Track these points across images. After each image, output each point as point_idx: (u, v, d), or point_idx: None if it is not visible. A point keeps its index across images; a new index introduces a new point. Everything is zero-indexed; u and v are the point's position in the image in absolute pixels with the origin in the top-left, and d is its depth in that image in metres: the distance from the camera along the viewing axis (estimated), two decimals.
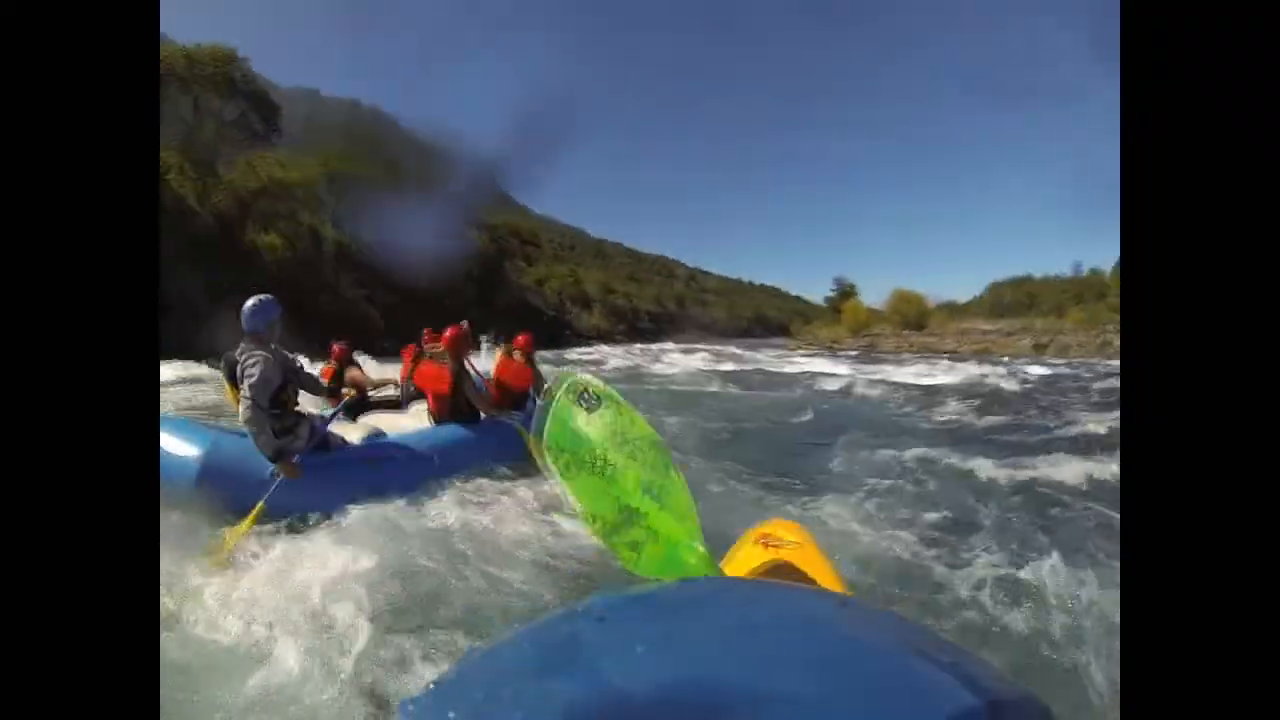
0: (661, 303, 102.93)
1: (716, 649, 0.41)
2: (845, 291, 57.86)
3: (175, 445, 3.89)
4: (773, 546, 1.80)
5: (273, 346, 3.90)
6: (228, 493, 3.76)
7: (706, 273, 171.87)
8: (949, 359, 23.53)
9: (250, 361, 3.72)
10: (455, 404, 5.20)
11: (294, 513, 3.78)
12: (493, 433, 5.16)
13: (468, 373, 5.25)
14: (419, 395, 5.79)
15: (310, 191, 26.39)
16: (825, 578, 1.67)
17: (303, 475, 3.87)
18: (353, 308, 26.57)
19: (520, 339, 5.90)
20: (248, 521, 3.52)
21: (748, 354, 29.29)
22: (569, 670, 0.40)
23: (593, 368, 17.54)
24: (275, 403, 3.85)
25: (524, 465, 4.64)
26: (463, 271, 33.68)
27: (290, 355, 4.09)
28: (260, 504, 3.61)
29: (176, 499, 3.55)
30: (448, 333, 5.29)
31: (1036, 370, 15.45)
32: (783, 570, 1.69)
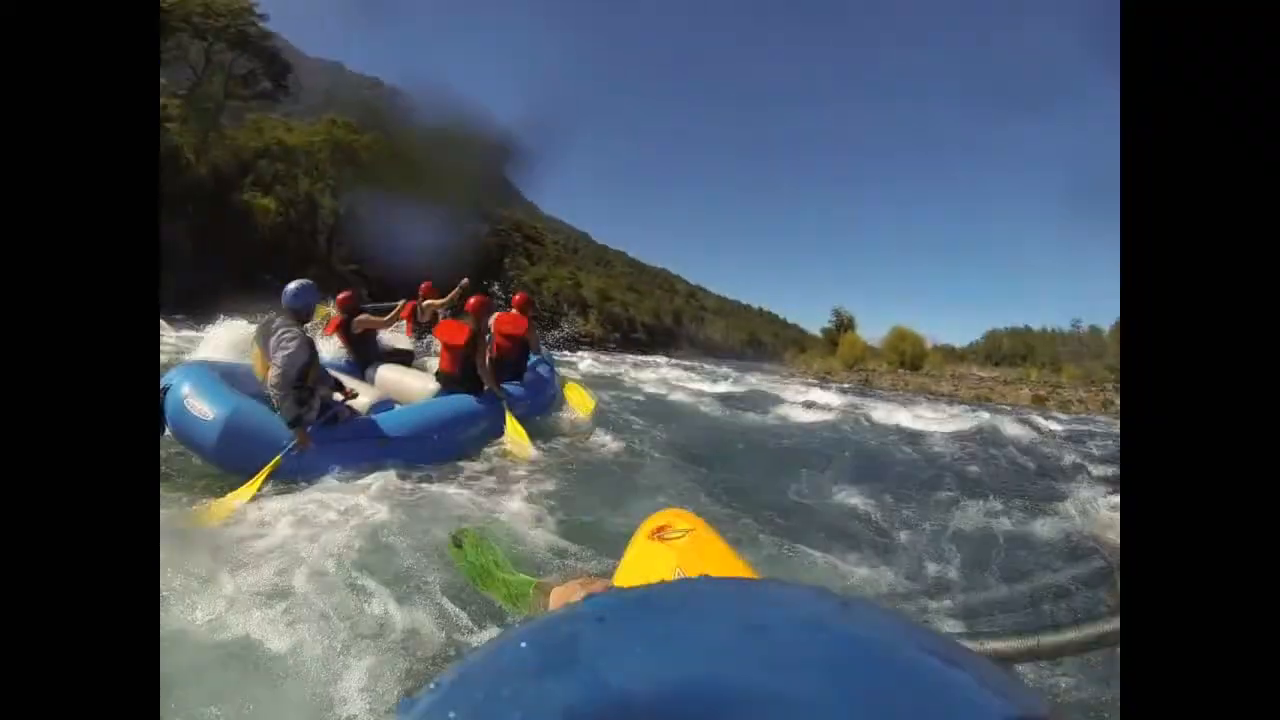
0: (659, 316, 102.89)
1: (717, 649, 0.39)
2: (843, 323, 57.57)
3: (200, 403, 4.26)
4: (666, 540, 1.75)
5: (305, 327, 4.48)
6: (245, 453, 4.13)
7: (706, 291, 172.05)
8: (947, 401, 22.68)
9: (287, 336, 4.28)
10: (466, 363, 5.71)
11: (300, 479, 4.15)
12: (489, 412, 5.64)
13: (483, 337, 5.77)
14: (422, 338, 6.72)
15: (313, 159, 25.68)
16: (726, 561, 1.67)
17: (312, 445, 4.30)
18: (342, 283, 26.27)
19: (518, 297, 6.77)
20: (256, 481, 3.85)
21: (737, 374, 29.00)
22: (569, 670, 0.38)
23: (572, 370, 17.17)
24: (299, 376, 4.32)
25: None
26: (460, 259, 33.28)
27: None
28: (270, 465, 4.02)
29: (197, 452, 4.29)
30: (474, 299, 5.90)
31: (1049, 424, 14.60)
32: (686, 559, 1.64)
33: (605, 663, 0.38)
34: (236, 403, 4.32)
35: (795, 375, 36.21)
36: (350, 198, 27.19)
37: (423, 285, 7.57)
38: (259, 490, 3.82)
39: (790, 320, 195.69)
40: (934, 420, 13.29)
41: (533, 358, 7.18)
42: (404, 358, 6.82)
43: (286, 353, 4.23)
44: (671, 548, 1.73)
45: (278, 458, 4.08)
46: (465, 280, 7.18)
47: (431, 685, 0.42)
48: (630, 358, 35.36)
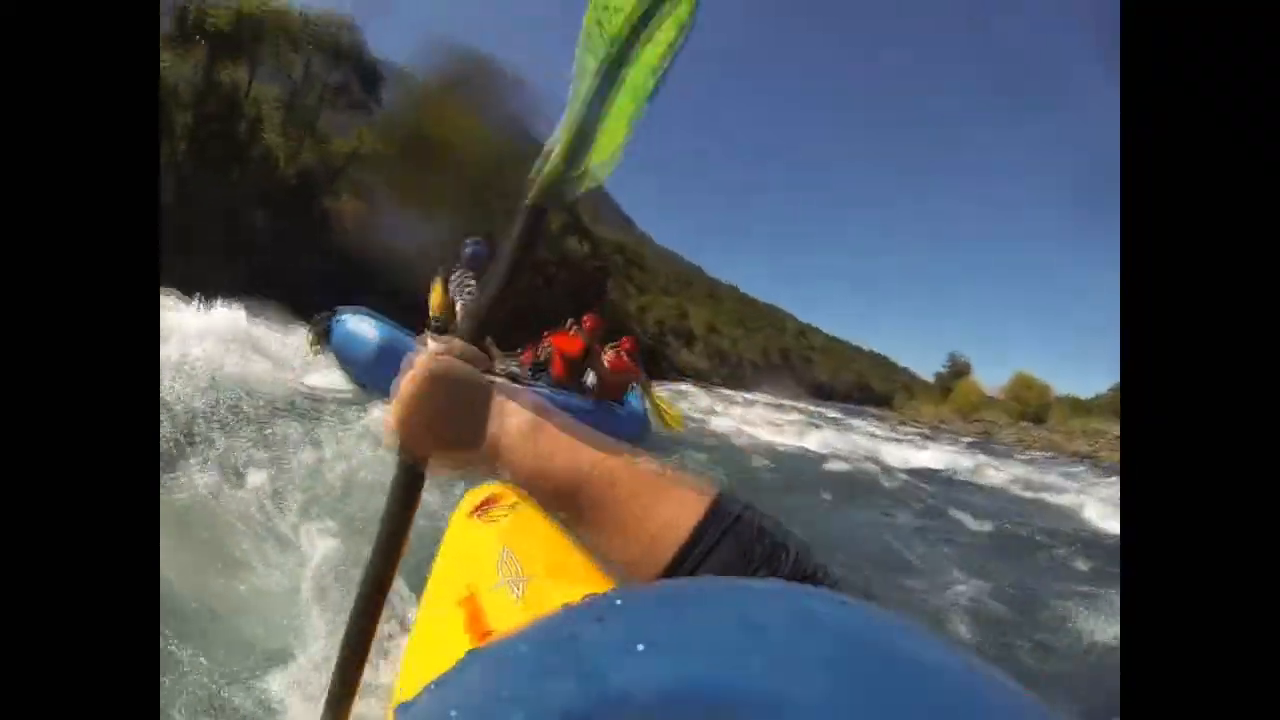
0: (766, 353, 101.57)
1: (718, 649, 0.39)
2: (958, 369, 55.31)
3: (366, 330, 5.33)
4: (489, 517, 1.72)
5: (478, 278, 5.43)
6: (392, 373, 4.73)
7: (816, 330, 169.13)
8: (1087, 467, 20.08)
9: (469, 281, 5.43)
10: (579, 371, 6.56)
11: None
12: (593, 412, 6.34)
13: (597, 351, 6.60)
14: (536, 377, 6.99)
15: (391, 161, 26.81)
16: (554, 542, 1.58)
17: None
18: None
19: (588, 321, 7.03)
20: None
21: (841, 417, 27.81)
22: (569, 670, 0.39)
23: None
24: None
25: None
26: (557, 277, 33.27)
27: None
28: None
29: (360, 369, 5.18)
30: (589, 320, 6.76)
31: None
32: (512, 540, 1.58)
33: (605, 663, 0.38)
34: (392, 333, 5.47)
35: (906, 423, 34.43)
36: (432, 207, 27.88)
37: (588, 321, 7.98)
38: None
39: (902, 364, 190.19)
40: (1073, 491, 11.67)
41: (633, 398, 7.68)
42: (512, 380, 7.36)
43: (472, 294, 5.28)
44: (495, 527, 1.67)
45: None
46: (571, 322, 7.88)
47: (431, 685, 0.44)
48: (729, 392, 34.76)
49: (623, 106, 0.77)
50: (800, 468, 9.62)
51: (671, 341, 58.52)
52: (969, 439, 27.25)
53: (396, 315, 6.21)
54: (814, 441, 13.12)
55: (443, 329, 5.46)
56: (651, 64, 0.76)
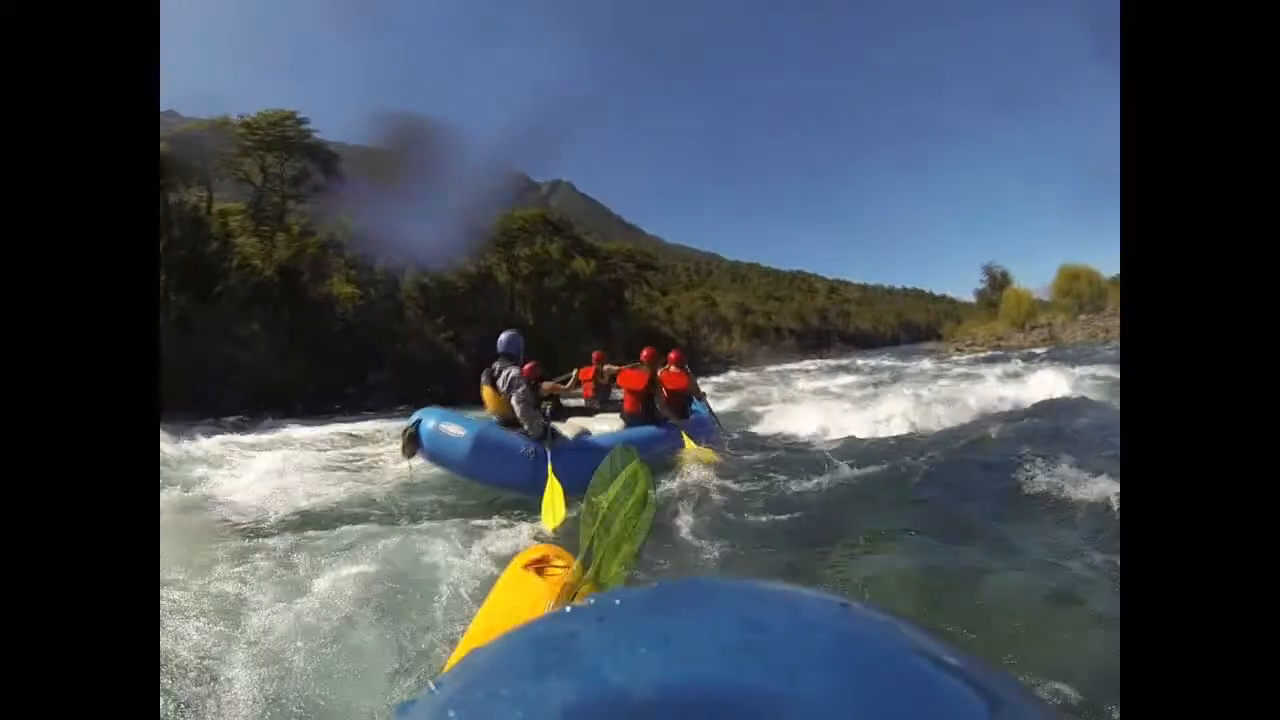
0: (804, 318, 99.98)
1: (717, 649, 0.41)
2: (998, 281, 53.01)
3: (451, 429, 5.61)
4: (543, 573, 1.82)
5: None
6: (490, 461, 5.55)
7: (847, 283, 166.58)
8: None
9: (514, 376, 5.72)
10: (648, 402, 7.16)
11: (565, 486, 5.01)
12: (667, 436, 6.92)
13: (658, 380, 7.20)
14: (605, 408, 7.74)
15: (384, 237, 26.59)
16: None
17: (547, 454, 5.50)
18: (439, 352, 25.99)
19: (646, 353, 7.54)
20: (554, 488, 4.97)
21: (897, 363, 26.22)
22: (569, 670, 0.40)
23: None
24: (535, 402, 5.82)
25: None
26: (569, 302, 32.51)
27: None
28: (551, 473, 5.20)
29: (455, 465, 5.62)
30: (645, 352, 7.44)
31: None
32: (559, 597, 1.62)
33: (605, 663, 0.39)
34: (480, 425, 5.75)
35: (962, 349, 32.49)
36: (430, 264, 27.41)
37: (595, 354, 8.62)
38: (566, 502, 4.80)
39: (939, 292, 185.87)
40: None
41: (696, 404, 8.08)
42: (586, 413, 7.76)
43: (521, 389, 5.69)
44: (548, 581, 1.76)
45: (551, 474, 5.22)
46: (596, 354, 8.56)
47: (432, 685, 0.45)
48: (774, 368, 33.06)
49: (620, 547, 1.51)
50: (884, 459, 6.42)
51: (707, 333, 57.44)
52: (1041, 350, 24.93)
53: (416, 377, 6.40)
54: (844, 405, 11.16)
55: (512, 422, 5.93)
56: (632, 527, 1.61)
